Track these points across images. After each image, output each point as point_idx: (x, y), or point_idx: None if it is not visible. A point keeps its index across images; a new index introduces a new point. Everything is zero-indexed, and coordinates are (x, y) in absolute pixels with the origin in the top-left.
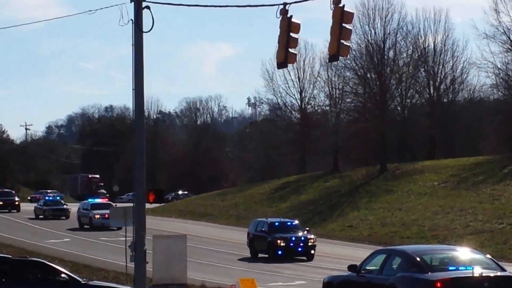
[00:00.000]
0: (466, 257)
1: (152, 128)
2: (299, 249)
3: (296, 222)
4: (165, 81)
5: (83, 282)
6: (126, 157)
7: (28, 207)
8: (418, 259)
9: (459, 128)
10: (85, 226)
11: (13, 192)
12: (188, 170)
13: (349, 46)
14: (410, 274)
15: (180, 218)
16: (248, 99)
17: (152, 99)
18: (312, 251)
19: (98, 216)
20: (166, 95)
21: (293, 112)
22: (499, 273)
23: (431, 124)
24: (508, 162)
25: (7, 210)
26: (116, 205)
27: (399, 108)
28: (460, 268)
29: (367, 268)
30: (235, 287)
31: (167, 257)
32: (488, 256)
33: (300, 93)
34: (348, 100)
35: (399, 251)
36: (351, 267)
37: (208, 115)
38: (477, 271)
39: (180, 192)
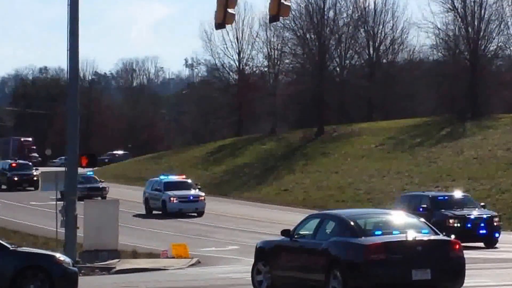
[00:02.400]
0: (400, 221)
1: (87, 90)
2: (481, 231)
3: (465, 194)
4: (101, 42)
5: (11, 248)
6: (60, 120)
7: None
8: (351, 223)
9: (398, 89)
10: (155, 212)
11: (30, 163)
12: (123, 133)
13: (289, 6)
14: (343, 238)
15: (113, 183)
16: (186, 60)
17: (87, 60)
18: (497, 235)
19: (175, 199)
20: (102, 56)
21: (231, 73)
22: (432, 237)
23: (370, 86)
24: (446, 124)
25: (21, 187)
26: None
27: (338, 69)
28: (393, 232)
29: (301, 232)
30: (167, 252)
31: (98, 222)
32: (422, 220)
33: (239, 54)
34: (287, 61)
35: (333, 215)
36: (284, 232)
37: (144, 77)
38: (411, 235)
39: (118, 152)
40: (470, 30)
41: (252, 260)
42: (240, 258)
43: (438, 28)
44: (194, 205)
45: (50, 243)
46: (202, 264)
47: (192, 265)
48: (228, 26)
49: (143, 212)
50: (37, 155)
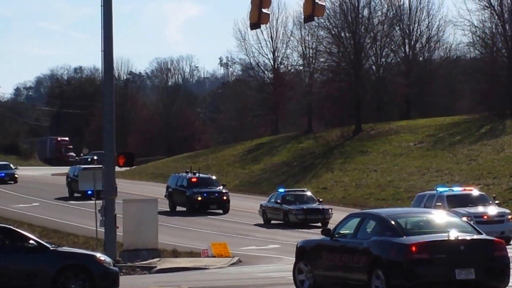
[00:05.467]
0: (442, 220)
1: (122, 89)
2: None
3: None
4: (135, 42)
5: (51, 248)
6: (96, 120)
7: None
8: (392, 222)
9: (435, 87)
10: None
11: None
12: (159, 132)
13: (324, 5)
14: (384, 238)
15: (151, 181)
16: (220, 59)
17: (122, 59)
18: None
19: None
20: (136, 55)
21: (266, 72)
22: (475, 237)
23: (407, 84)
24: (486, 121)
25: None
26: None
27: (374, 68)
28: (435, 232)
29: (341, 232)
30: (207, 251)
31: (137, 221)
32: (464, 219)
33: (273, 53)
34: (322, 59)
35: (374, 214)
36: (325, 231)
37: (179, 76)
38: (453, 234)
39: None
40: (507, 27)
41: (293, 259)
42: (281, 257)
43: (475, 26)
44: (500, 227)
45: (90, 242)
46: (243, 263)
47: (233, 264)
48: (262, 25)
49: None
50: (73, 155)
